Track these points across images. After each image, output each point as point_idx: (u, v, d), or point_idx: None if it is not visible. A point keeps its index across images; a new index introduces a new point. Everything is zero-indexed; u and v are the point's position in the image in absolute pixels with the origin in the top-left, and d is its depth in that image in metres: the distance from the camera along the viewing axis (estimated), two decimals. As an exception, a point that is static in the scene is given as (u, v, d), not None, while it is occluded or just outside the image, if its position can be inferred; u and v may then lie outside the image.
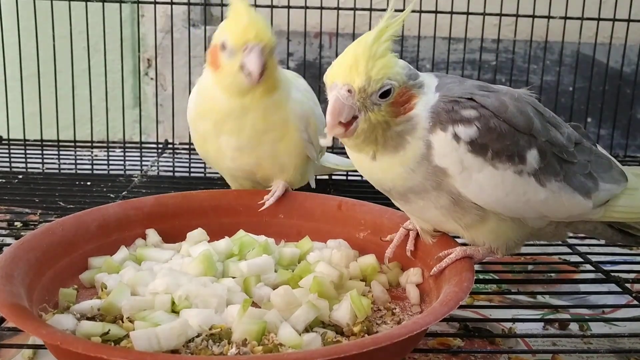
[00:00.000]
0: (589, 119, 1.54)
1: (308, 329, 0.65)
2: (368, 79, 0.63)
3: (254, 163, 0.87)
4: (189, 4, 1.41)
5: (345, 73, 0.63)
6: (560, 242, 1.03)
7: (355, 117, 0.64)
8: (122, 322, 0.65)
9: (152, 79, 1.65)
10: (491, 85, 0.72)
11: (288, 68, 1.50)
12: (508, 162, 0.66)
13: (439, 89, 0.68)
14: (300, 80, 0.93)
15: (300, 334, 0.62)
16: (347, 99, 0.63)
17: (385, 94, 0.64)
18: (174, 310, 0.66)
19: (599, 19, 1.35)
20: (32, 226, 1.02)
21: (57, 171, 1.35)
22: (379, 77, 0.63)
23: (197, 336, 0.62)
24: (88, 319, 0.66)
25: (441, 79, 0.70)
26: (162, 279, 0.68)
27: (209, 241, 0.80)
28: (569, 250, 1.00)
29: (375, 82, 0.63)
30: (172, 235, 0.83)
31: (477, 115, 0.65)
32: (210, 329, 0.62)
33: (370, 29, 1.44)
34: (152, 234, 0.82)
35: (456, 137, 0.65)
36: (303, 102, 0.88)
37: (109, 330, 0.62)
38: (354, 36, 1.40)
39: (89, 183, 1.27)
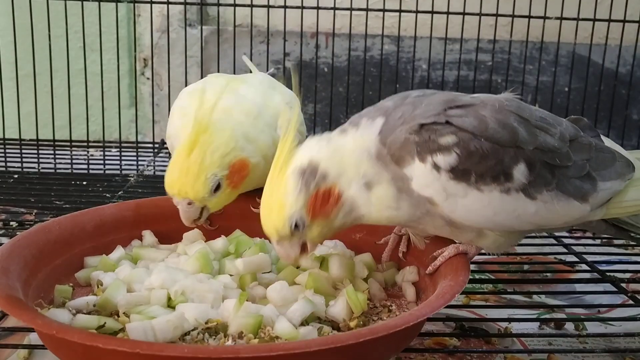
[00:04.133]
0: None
1: (304, 323, 0.65)
2: (277, 231, 0.66)
3: None
4: (185, 3, 1.41)
5: (266, 229, 0.67)
6: (556, 242, 1.03)
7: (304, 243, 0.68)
8: (118, 317, 0.65)
9: (148, 78, 1.65)
10: (463, 96, 0.70)
11: (285, 68, 1.51)
12: (493, 182, 0.65)
13: (387, 132, 0.66)
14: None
15: (296, 328, 0.63)
16: (283, 246, 0.67)
17: (297, 226, 0.65)
18: (170, 306, 0.65)
19: (594, 20, 1.36)
20: (28, 226, 1.02)
21: (52, 171, 1.35)
22: (280, 225, 0.65)
23: (193, 330, 0.62)
24: (84, 314, 0.65)
25: (390, 116, 0.67)
26: (158, 275, 0.68)
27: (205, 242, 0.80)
28: (564, 250, 1.00)
29: (282, 230, 0.65)
30: (169, 237, 0.83)
31: (456, 140, 0.64)
32: (206, 323, 0.63)
33: (366, 30, 1.44)
34: (148, 235, 0.82)
35: (436, 166, 0.64)
36: None
37: (105, 323, 0.62)
38: (350, 36, 1.41)
39: (84, 183, 1.27)
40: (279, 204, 0.65)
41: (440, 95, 0.70)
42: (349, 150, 0.67)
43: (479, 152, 0.64)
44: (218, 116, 0.76)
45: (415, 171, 0.65)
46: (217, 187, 0.74)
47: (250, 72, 0.96)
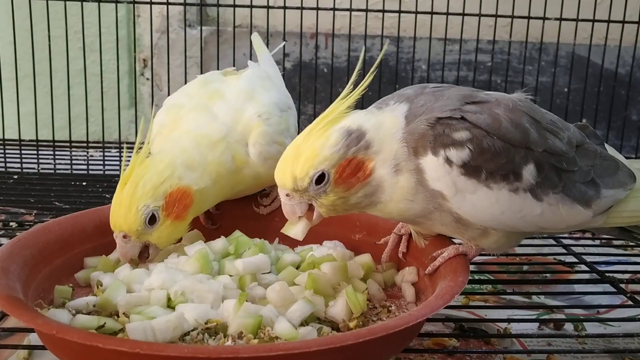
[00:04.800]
0: (583, 120, 1.54)
1: (304, 324, 0.65)
2: (294, 179, 0.64)
3: None
4: (184, 4, 1.41)
5: (280, 178, 0.66)
6: (555, 243, 1.03)
7: (312, 205, 0.67)
8: (118, 317, 0.65)
9: (147, 79, 1.65)
10: (479, 92, 0.70)
11: (284, 69, 1.51)
12: (503, 181, 0.65)
13: (411, 118, 0.66)
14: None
15: (296, 328, 0.63)
16: (290, 200, 0.66)
17: (319, 181, 0.64)
18: (170, 306, 0.66)
19: (594, 20, 1.36)
20: (27, 226, 1.02)
21: (52, 171, 1.35)
22: (302, 174, 0.64)
23: (193, 330, 0.62)
24: (83, 315, 0.65)
25: (413, 102, 0.68)
26: (158, 275, 0.68)
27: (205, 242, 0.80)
28: (564, 251, 1.01)
29: (301, 179, 0.64)
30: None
31: (470, 136, 0.64)
32: (206, 324, 0.63)
33: (366, 30, 1.43)
34: (148, 235, 0.82)
35: (448, 161, 0.64)
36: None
37: (105, 323, 0.62)
38: (349, 37, 1.41)
39: (84, 183, 1.27)
40: (312, 152, 0.64)
41: (459, 89, 0.70)
42: (386, 128, 0.66)
43: (491, 149, 0.65)
44: (162, 146, 0.77)
45: (428, 164, 0.65)
46: (153, 220, 0.72)
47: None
